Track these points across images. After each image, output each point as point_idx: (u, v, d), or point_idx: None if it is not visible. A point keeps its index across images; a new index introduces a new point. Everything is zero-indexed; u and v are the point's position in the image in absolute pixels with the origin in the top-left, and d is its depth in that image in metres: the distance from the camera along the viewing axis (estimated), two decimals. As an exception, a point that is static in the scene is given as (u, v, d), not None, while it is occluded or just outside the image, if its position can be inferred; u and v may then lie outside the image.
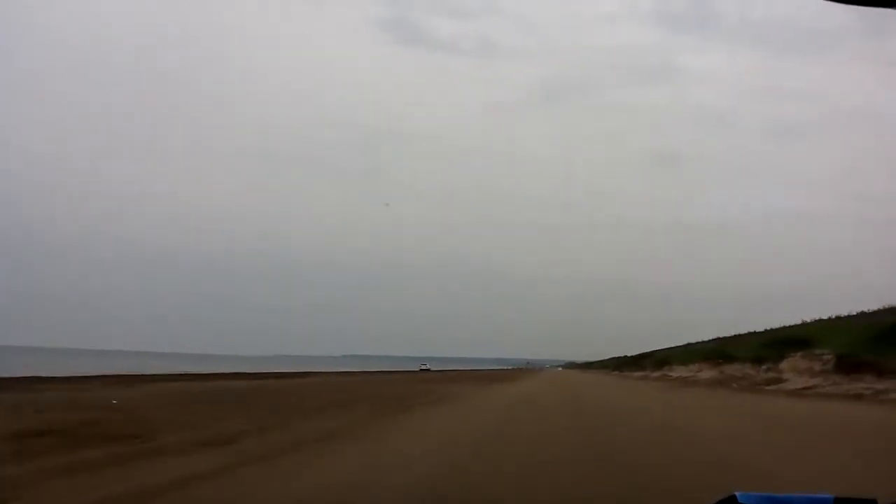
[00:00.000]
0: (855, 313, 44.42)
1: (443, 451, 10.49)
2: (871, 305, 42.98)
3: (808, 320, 50.03)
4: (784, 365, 36.83)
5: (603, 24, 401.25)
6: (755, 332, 58.32)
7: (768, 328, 57.29)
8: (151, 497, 6.42)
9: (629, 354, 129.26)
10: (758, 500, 1.75)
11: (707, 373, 49.63)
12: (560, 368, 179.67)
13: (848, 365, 30.24)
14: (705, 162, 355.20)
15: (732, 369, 45.03)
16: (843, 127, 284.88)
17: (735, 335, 62.25)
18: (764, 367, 39.56)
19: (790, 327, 50.67)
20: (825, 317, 48.86)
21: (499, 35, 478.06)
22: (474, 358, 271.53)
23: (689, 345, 79.61)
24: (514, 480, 7.87)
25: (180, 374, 40.78)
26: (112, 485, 6.77)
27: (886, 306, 40.37)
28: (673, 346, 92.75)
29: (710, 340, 70.90)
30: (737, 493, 1.76)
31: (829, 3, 1.49)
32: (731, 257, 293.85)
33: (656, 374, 67.37)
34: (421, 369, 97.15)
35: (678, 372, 59.22)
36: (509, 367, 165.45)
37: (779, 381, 34.84)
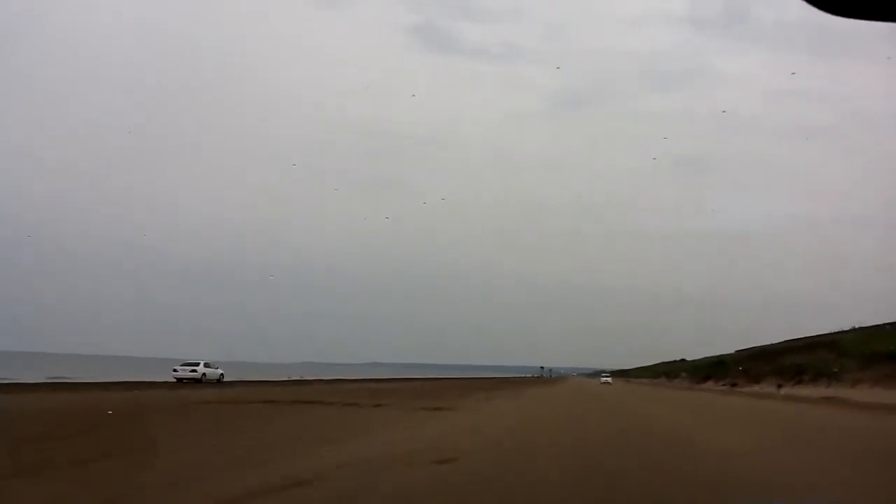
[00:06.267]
0: None
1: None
2: None
3: None
4: None
5: (629, 28, 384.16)
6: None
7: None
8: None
9: (693, 358, 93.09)
10: None
11: None
12: (608, 379, 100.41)
13: None
14: (731, 168, 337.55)
15: None
16: (872, 132, 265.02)
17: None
18: None
19: None
20: None
21: (524, 40, 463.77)
22: (494, 366, 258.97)
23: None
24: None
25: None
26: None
27: None
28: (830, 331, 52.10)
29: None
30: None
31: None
32: (757, 265, 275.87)
33: None
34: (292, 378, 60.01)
35: None
36: (528, 376, 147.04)
37: None
